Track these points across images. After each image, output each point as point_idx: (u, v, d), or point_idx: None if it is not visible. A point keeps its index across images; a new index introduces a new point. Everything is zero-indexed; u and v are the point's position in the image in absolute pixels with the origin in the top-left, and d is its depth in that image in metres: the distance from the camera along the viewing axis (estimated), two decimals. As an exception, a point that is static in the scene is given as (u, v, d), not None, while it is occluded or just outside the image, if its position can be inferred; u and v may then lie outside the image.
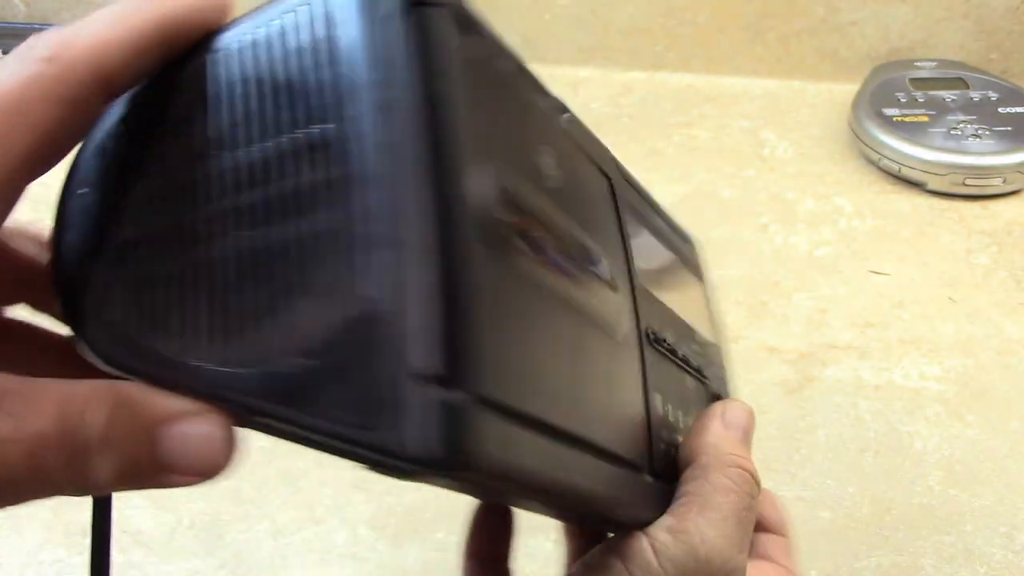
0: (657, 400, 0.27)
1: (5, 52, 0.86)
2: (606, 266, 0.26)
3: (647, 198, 0.33)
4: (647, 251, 0.31)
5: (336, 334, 0.18)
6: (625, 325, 0.27)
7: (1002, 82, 0.81)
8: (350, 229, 0.18)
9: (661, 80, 0.87)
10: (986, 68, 0.85)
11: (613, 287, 0.26)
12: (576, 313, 0.23)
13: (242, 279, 0.19)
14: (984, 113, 0.76)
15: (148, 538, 0.46)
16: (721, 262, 0.64)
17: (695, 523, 0.25)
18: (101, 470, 0.19)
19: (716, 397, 0.34)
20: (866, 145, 0.76)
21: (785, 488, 0.51)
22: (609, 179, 0.29)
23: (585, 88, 0.86)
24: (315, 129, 0.19)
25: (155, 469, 0.19)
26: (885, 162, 0.74)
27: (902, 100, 0.78)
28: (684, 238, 0.37)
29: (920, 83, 0.80)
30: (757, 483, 0.28)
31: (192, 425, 0.19)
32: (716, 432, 0.28)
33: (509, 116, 0.23)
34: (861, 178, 0.75)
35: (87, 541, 0.47)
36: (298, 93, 0.19)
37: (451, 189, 0.18)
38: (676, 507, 0.26)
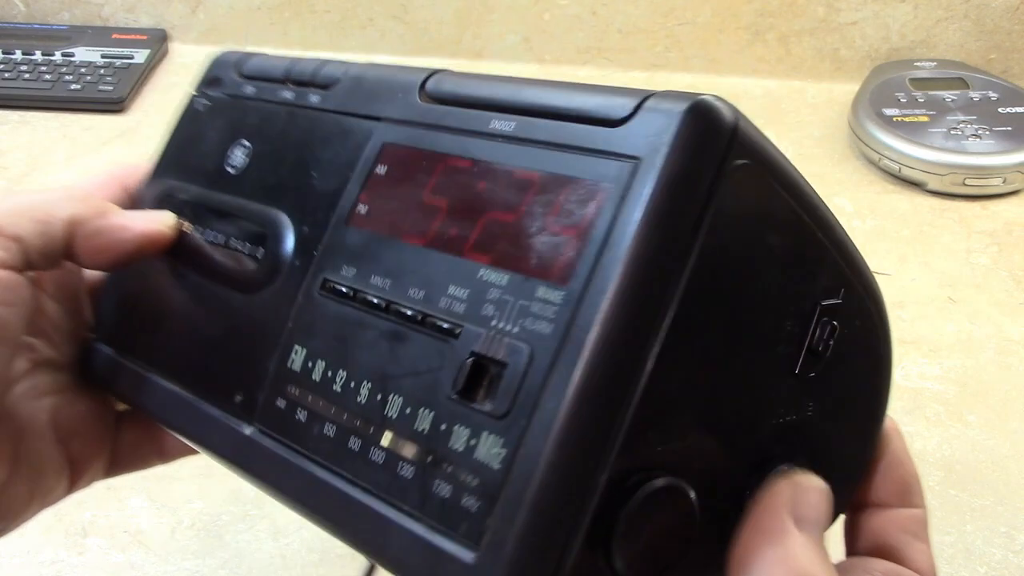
0: (296, 353, 0.26)
1: (5, 52, 0.86)
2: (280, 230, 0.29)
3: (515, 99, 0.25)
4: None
5: None
6: (280, 277, 0.28)
7: (1002, 82, 0.81)
8: None
9: (661, 80, 0.87)
10: (986, 68, 0.85)
11: (263, 251, 0.29)
12: (190, 279, 0.31)
13: None
14: (984, 113, 0.76)
15: (148, 538, 0.46)
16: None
17: None
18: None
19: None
20: (866, 145, 0.76)
21: (785, 488, 0.51)
22: (378, 119, 0.28)
23: (585, 88, 0.86)
24: None
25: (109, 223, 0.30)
26: (885, 162, 0.74)
27: (902, 100, 0.78)
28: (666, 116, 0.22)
29: (920, 83, 0.80)
30: None
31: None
32: (789, 548, 0.23)
33: (205, 138, 0.33)
34: (861, 178, 0.75)
35: (87, 541, 0.47)
36: None
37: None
38: None
